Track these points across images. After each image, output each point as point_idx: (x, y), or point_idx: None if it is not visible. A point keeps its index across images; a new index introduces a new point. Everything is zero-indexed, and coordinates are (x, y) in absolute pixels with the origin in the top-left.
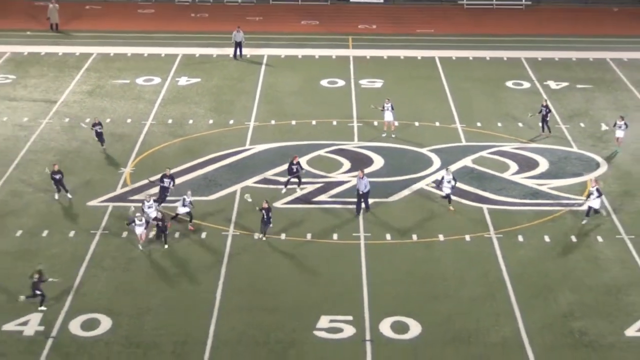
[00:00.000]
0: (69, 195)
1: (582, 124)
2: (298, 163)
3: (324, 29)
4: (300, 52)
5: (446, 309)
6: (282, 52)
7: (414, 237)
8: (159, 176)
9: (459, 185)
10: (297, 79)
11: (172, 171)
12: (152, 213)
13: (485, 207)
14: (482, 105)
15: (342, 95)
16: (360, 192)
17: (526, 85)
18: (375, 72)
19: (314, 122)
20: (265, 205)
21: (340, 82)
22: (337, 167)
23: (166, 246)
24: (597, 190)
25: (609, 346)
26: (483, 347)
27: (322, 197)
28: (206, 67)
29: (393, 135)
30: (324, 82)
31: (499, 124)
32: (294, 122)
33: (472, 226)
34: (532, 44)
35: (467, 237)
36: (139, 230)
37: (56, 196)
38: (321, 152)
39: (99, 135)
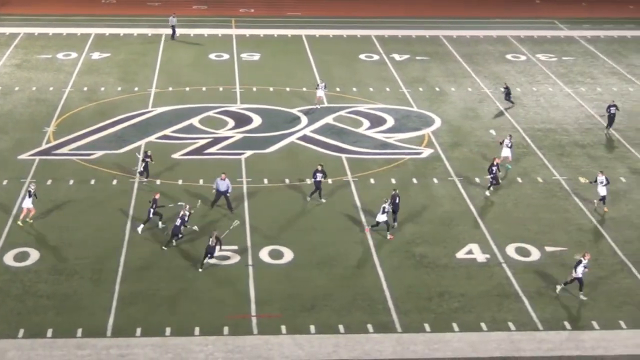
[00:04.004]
0: None
1: (420, 89)
2: (497, 165)
3: (211, 13)
4: (192, 32)
5: (314, 238)
6: (177, 31)
7: (287, 181)
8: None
9: (323, 138)
10: (190, 53)
11: (90, 129)
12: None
13: (343, 156)
14: (340, 74)
15: (227, 66)
16: (220, 191)
17: (375, 57)
18: (253, 47)
19: (204, 89)
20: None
21: (225, 56)
22: (223, 125)
23: (200, 270)
24: (584, 266)
25: (444, 266)
26: (343, 268)
27: (212, 150)
28: (115, 44)
29: (318, 107)
30: (212, 56)
31: (354, 89)
32: (187, 89)
33: (334, 172)
34: (381, 24)
35: (330, 181)
36: (27, 203)
37: (140, 230)
38: (210, 113)
39: (146, 166)
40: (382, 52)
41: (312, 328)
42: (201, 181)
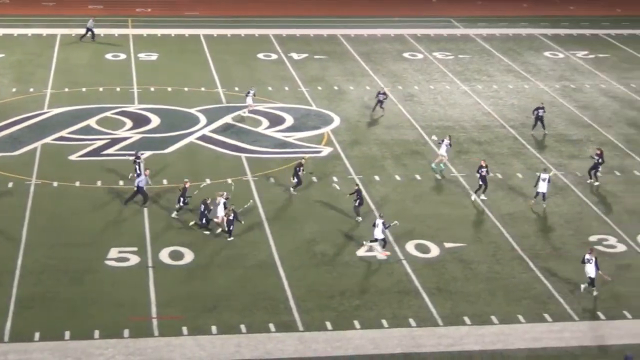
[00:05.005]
0: None
1: (319, 87)
2: (486, 167)
3: (107, 12)
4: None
5: (213, 239)
6: (73, 31)
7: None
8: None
9: (222, 138)
10: (86, 53)
11: None
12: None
13: (243, 155)
14: (238, 73)
15: (124, 66)
16: (139, 185)
17: (274, 56)
18: (151, 47)
19: (101, 89)
20: (355, 187)
21: (122, 56)
22: (121, 126)
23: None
24: (596, 258)
25: (345, 264)
26: (244, 269)
27: (110, 151)
28: (8, 44)
29: (243, 114)
30: (109, 56)
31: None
32: (84, 89)
33: (233, 171)
34: (279, 23)
35: (229, 180)
36: None
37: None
38: (107, 113)
39: (139, 165)
40: (280, 51)
41: (214, 328)
42: (99, 183)
